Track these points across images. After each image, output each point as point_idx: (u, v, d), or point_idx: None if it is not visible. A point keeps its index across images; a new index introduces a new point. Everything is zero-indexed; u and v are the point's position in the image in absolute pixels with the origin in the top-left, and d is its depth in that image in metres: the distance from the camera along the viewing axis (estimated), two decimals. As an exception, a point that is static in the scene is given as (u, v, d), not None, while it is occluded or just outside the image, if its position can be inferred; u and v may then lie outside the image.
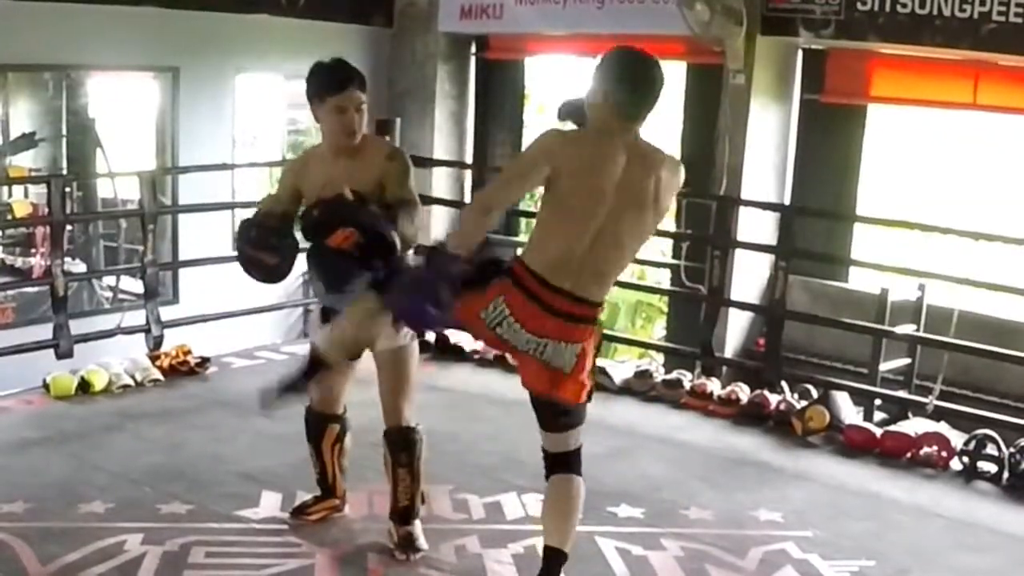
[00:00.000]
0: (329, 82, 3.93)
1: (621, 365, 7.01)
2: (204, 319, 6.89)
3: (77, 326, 6.36)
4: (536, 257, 3.38)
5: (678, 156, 8.17)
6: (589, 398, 3.57)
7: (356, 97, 3.94)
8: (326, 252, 3.85)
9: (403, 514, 4.18)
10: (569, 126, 3.57)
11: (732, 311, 7.20)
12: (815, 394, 6.20)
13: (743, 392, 6.26)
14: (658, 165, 3.39)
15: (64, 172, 7.67)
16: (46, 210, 6.49)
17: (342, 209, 3.83)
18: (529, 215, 11.04)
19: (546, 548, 3.62)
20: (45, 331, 6.24)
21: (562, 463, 3.64)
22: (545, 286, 3.35)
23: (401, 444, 4.14)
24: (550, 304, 3.36)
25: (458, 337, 7.25)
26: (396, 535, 4.18)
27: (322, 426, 4.30)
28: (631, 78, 3.34)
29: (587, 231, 3.33)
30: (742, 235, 6.96)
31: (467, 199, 8.81)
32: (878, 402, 6.37)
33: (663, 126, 9.21)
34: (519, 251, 3.47)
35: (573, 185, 3.30)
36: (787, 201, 7.55)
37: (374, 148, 4.11)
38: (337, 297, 3.95)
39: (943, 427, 5.77)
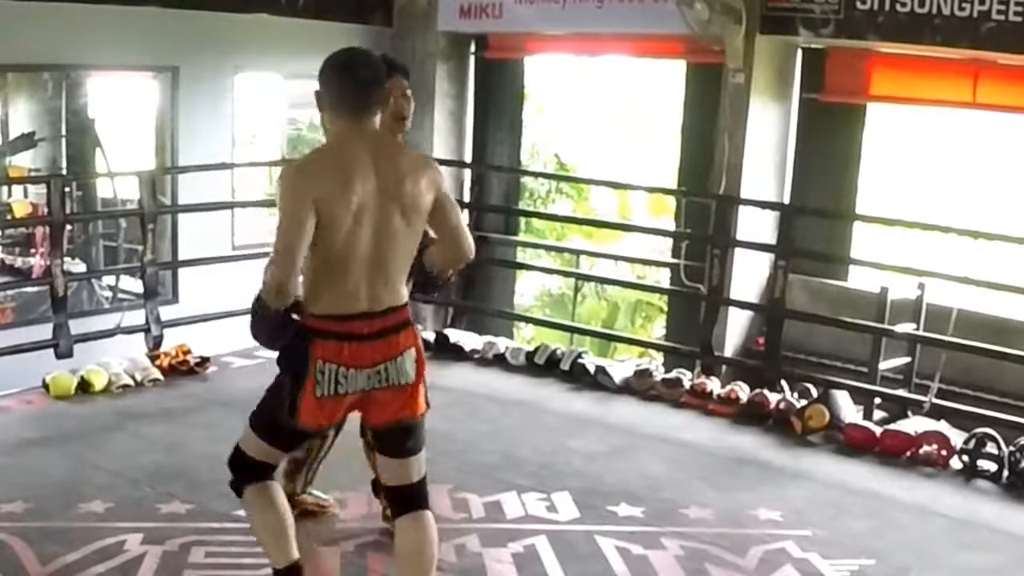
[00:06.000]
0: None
1: (621, 364, 7.02)
2: (204, 319, 6.89)
3: (77, 326, 6.37)
4: (322, 301, 3.22)
5: (678, 156, 8.29)
6: (427, 405, 3.43)
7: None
8: None
9: None
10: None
11: (732, 310, 7.19)
12: (815, 393, 6.20)
13: (743, 391, 6.27)
14: (410, 166, 3.26)
15: (64, 172, 7.65)
16: (46, 210, 6.48)
17: None
18: (528, 214, 11.13)
19: None
20: (45, 331, 6.24)
21: (407, 499, 3.39)
22: (346, 319, 3.21)
23: None
24: (361, 332, 3.22)
25: (458, 336, 7.26)
26: None
27: None
28: (342, 74, 3.22)
29: (362, 253, 3.19)
30: (742, 234, 6.96)
31: (466, 198, 8.81)
32: (878, 401, 6.36)
33: (663, 126, 9.23)
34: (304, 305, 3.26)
35: (332, 214, 3.12)
36: (787, 200, 7.53)
37: None
38: None
39: (943, 426, 5.77)
